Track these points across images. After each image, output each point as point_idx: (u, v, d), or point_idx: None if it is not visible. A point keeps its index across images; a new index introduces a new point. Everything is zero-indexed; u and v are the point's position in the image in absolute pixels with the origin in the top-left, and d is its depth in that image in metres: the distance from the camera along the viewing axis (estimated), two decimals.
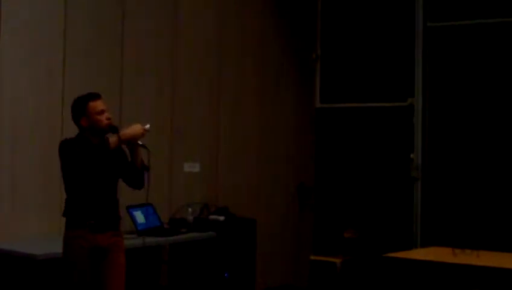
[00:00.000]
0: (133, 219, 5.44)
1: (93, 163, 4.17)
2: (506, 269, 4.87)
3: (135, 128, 4.23)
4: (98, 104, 4.27)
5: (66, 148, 4.18)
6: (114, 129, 4.26)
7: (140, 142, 4.24)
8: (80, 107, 4.26)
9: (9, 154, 4.99)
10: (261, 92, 7.28)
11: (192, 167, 6.48)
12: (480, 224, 6.88)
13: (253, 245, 6.45)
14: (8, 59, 4.98)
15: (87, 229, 4.21)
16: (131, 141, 4.23)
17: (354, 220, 7.65)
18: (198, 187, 6.49)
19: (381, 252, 5.57)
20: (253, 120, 7.17)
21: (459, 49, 7.22)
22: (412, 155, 7.34)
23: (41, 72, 5.21)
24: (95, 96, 4.31)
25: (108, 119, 4.27)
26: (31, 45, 5.14)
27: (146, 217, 5.58)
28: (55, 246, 4.71)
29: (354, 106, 7.86)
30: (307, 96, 7.97)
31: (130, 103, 5.83)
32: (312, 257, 7.63)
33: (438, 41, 7.32)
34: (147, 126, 4.22)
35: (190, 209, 6.08)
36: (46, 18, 5.24)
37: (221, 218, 6.13)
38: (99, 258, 4.26)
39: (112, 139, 4.18)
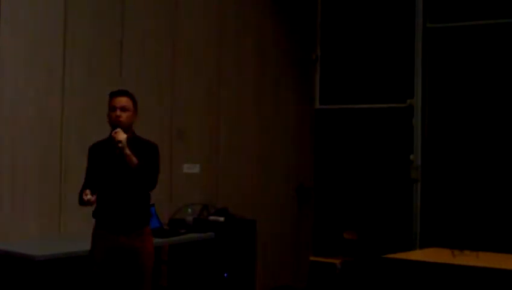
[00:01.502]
0: None
1: (97, 172, 4.37)
2: (505, 270, 4.87)
3: None
4: (114, 101, 4.36)
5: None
6: (113, 129, 4.30)
7: (120, 145, 4.22)
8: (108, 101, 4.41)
9: (9, 155, 4.98)
10: (260, 92, 7.28)
11: (192, 168, 6.48)
12: (479, 225, 6.88)
13: (253, 246, 6.44)
14: (8, 58, 4.97)
15: (105, 229, 4.33)
16: None
17: (354, 221, 7.65)
18: (198, 188, 6.49)
19: (381, 253, 5.57)
20: (252, 121, 7.17)
21: (459, 51, 7.22)
22: (411, 156, 7.34)
23: (41, 72, 5.20)
24: (117, 93, 4.41)
25: (117, 116, 4.32)
26: (31, 45, 5.13)
27: None
28: (54, 247, 4.73)
29: (354, 107, 7.86)
30: (306, 97, 7.97)
31: None
32: (312, 258, 7.63)
33: (438, 42, 7.32)
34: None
35: (190, 210, 6.08)
36: (46, 18, 5.23)
37: (221, 219, 6.12)
38: (119, 258, 4.29)
39: None
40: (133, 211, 4.36)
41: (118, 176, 4.31)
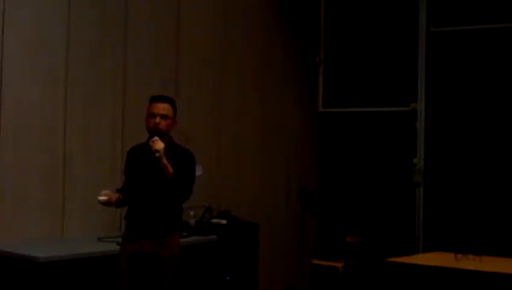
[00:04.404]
0: None
1: (130, 174, 4.43)
2: (508, 274, 4.87)
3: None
4: (155, 107, 4.33)
5: None
6: (151, 136, 4.28)
7: (157, 155, 4.18)
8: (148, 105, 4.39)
9: (11, 155, 4.97)
10: (263, 95, 7.28)
11: None
12: (482, 229, 6.87)
13: (256, 249, 6.44)
14: (10, 59, 4.96)
15: (132, 232, 4.35)
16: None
17: (357, 224, 7.65)
18: (200, 190, 6.45)
19: (384, 257, 5.57)
20: (255, 124, 7.17)
21: (462, 54, 7.22)
22: (414, 160, 7.34)
23: (44, 72, 5.19)
24: (158, 98, 4.39)
25: (156, 124, 4.29)
26: (33, 45, 5.12)
27: None
28: (57, 249, 4.73)
29: (357, 110, 7.86)
30: (309, 100, 7.96)
31: (133, 104, 5.82)
32: (314, 261, 7.62)
33: (441, 46, 7.32)
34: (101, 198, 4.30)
35: (192, 213, 6.06)
36: (49, 17, 5.22)
37: (224, 221, 6.12)
38: (140, 263, 4.30)
39: None
40: (159, 217, 4.34)
41: (151, 181, 4.30)
